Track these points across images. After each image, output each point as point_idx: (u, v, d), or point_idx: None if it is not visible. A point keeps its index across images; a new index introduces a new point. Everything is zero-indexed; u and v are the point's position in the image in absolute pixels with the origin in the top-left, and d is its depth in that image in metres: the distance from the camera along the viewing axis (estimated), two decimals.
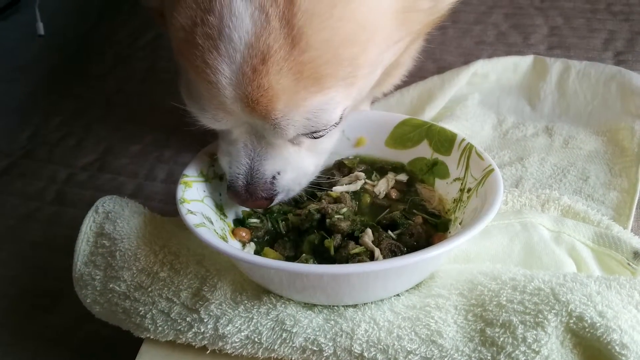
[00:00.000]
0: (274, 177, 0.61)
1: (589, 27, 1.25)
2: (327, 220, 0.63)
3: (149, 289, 0.60)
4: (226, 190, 0.63)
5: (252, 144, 0.60)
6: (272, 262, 0.52)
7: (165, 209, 0.96)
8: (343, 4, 0.51)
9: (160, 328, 0.58)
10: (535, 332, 0.48)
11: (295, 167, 0.62)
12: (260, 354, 0.55)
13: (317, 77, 0.52)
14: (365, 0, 0.53)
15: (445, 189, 0.69)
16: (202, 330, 0.56)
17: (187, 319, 0.57)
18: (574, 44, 1.20)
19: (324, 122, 0.55)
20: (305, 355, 0.54)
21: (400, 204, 0.69)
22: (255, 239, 0.66)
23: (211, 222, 0.62)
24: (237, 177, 0.61)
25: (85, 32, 1.55)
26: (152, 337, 0.60)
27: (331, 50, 0.51)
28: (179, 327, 0.57)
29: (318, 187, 0.69)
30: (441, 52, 1.23)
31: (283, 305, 0.56)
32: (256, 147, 0.60)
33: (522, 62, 1.06)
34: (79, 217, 0.70)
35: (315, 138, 0.59)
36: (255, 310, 0.56)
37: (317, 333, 0.54)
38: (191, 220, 0.57)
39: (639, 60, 1.12)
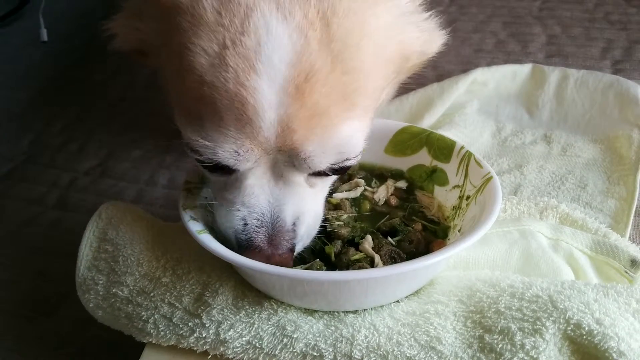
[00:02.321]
0: (294, 224, 0.57)
1: (587, 36, 1.26)
2: (327, 227, 0.63)
3: (152, 294, 0.61)
4: (238, 250, 0.56)
5: (270, 187, 0.56)
6: (273, 268, 0.53)
7: (167, 214, 0.97)
8: (366, 40, 0.52)
9: (162, 333, 0.59)
10: (533, 339, 0.49)
11: (311, 209, 0.59)
12: (261, 359, 0.56)
13: (351, 103, 0.53)
14: (381, 44, 0.55)
15: (444, 196, 0.70)
16: (203, 335, 0.57)
17: (189, 323, 0.58)
18: (572, 53, 1.21)
19: (353, 150, 0.55)
20: None
21: (400, 210, 0.70)
22: None
23: (212, 228, 0.62)
24: (258, 232, 0.56)
25: (88, 39, 1.56)
26: (154, 341, 0.60)
27: (361, 79, 0.53)
28: (181, 332, 0.58)
29: None
30: (440, 60, 1.23)
31: (284, 311, 0.57)
32: (274, 191, 0.56)
33: (521, 71, 1.07)
34: (81, 222, 0.70)
35: (337, 171, 0.56)
36: (256, 315, 0.56)
37: (318, 338, 0.54)
38: (193, 226, 0.58)
39: (637, 69, 1.13)
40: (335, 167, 0.55)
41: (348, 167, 0.57)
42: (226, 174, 0.57)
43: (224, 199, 0.58)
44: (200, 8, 0.50)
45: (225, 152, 0.52)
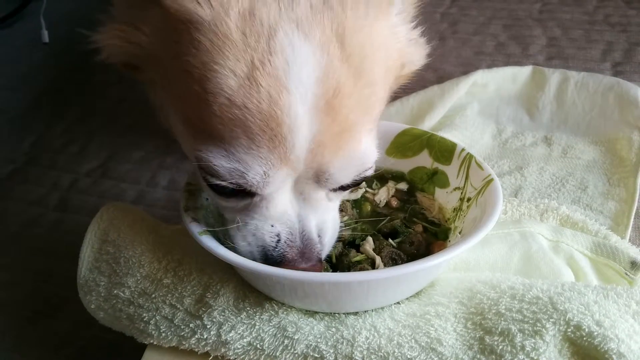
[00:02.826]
0: (319, 235, 0.58)
1: (587, 38, 1.27)
2: None
3: (153, 295, 0.61)
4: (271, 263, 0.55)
5: (293, 204, 0.56)
6: (274, 270, 0.53)
7: (168, 215, 0.97)
8: (376, 52, 0.53)
9: (163, 334, 0.59)
10: (533, 340, 0.49)
11: (331, 218, 0.60)
12: None
13: (370, 114, 0.54)
14: (386, 55, 0.56)
15: (445, 198, 0.70)
16: (205, 336, 0.57)
17: (190, 325, 0.58)
18: (572, 55, 1.22)
19: (371, 160, 0.55)
20: None
21: (401, 212, 0.70)
22: None
23: (214, 230, 0.62)
24: (291, 247, 0.56)
25: (89, 40, 1.56)
26: (155, 342, 0.60)
27: (377, 90, 0.54)
28: (182, 333, 0.58)
29: None
30: (441, 62, 1.24)
31: (285, 312, 0.57)
32: (298, 207, 0.57)
33: (521, 73, 1.07)
34: (82, 223, 0.70)
35: (357, 183, 0.57)
36: (257, 317, 0.57)
37: (319, 340, 0.54)
38: (195, 228, 0.58)
39: (637, 71, 1.14)
40: (357, 179, 0.56)
41: (365, 178, 0.58)
42: (244, 199, 0.55)
43: (247, 218, 0.57)
44: (224, 27, 0.48)
45: (256, 175, 0.51)
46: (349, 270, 0.60)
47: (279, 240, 0.56)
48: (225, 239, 0.59)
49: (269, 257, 0.56)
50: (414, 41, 0.61)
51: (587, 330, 0.48)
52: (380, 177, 0.76)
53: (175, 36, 0.51)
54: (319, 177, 0.54)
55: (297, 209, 0.57)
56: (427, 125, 0.99)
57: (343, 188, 0.57)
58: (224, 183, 0.52)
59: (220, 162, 0.51)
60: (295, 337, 0.55)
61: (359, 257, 0.61)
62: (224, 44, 0.48)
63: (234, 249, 0.57)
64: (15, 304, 0.87)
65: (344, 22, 0.50)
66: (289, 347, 0.55)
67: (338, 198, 0.61)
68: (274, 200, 0.55)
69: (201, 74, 0.49)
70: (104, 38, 0.56)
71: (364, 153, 0.54)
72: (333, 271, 0.61)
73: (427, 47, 0.63)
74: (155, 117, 0.73)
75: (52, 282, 0.89)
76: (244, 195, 0.55)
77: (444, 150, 0.71)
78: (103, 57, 0.58)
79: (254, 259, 0.56)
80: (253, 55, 0.48)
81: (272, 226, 0.56)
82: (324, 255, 0.59)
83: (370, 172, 0.57)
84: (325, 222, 0.59)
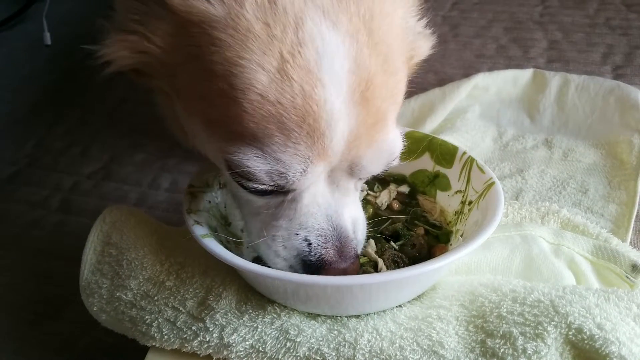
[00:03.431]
0: (353, 231, 0.57)
1: (587, 41, 1.27)
2: None
3: (155, 298, 0.61)
4: (302, 270, 0.54)
5: (326, 199, 0.54)
6: (276, 273, 0.53)
7: (169, 217, 0.97)
8: (398, 41, 0.53)
9: (166, 336, 0.59)
10: (535, 343, 0.49)
11: (360, 211, 0.59)
12: None
13: (397, 103, 0.54)
14: (405, 44, 0.56)
15: (446, 201, 0.70)
16: (207, 339, 0.57)
17: (193, 327, 0.58)
18: (573, 58, 1.22)
19: (398, 150, 0.55)
20: None
21: (402, 215, 0.70)
22: None
23: (216, 232, 0.63)
24: (326, 247, 0.54)
25: (91, 42, 1.57)
26: (157, 345, 0.60)
27: (401, 78, 0.54)
28: (185, 336, 0.58)
29: None
30: (442, 65, 1.25)
31: (287, 315, 0.57)
32: (331, 202, 0.55)
33: (522, 76, 1.07)
34: (84, 225, 0.70)
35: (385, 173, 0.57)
36: (259, 319, 0.57)
37: (321, 343, 0.54)
38: (198, 231, 0.58)
39: (637, 74, 1.14)
40: (386, 168, 0.56)
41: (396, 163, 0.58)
42: (278, 196, 0.54)
43: (276, 228, 0.55)
44: (243, 20, 0.47)
45: (296, 173, 0.49)
46: None
47: (309, 244, 0.54)
48: (228, 243, 0.59)
49: (308, 264, 0.54)
50: (421, 33, 0.60)
51: (588, 333, 0.48)
52: (382, 180, 0.76)
53: (190, 39, 0.49)
54: (352, 169, 0.53)
55: (331, 204, 0.55)
56: (428, 128, 1.00)
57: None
58: (263, 187, 0.51)
59: (257, 164, 0.49)
60: (298, 340, 0.55)
61: (362, 260, 0.62)
62: (246, 37, 0.46)
63: (237, 252, 0.57)
64: (17, 306, 0.88)
65: (372, 8, 0.49)
66: (291, 350, 0.55)
67: (360, 187, 0.61)
68: (304, 199, 0.54)
69: (226, 70, 0.47)
70: (111, 51, 0.54)
71: (394, 142, 0.54)
72: None
73: (433, 37, 0.62)
74: (159, 120, 0.73)
75: (54, 284, 0.89)
76: (278, 193, 0.54)
77: (445, 154, 0.72)
78: (112, 70, 0.55)
79: (295, 271, 0.55)
80: (281, 47, 0.46)
81: (297, 234, 0.54)
82: (359, 251, 0.58)
83: (396, 163, 0.56)
84: (358, 217, 0.58)
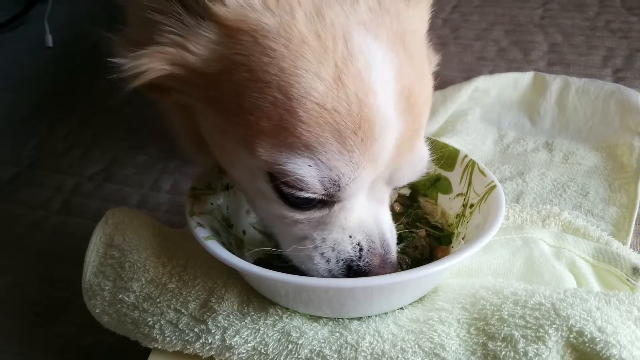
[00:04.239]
0: (391, 238, 0.58)
1: (588, 44, 1.27)
2: None
3: (158, 300, 0.61)
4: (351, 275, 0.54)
5: (367, 208, 0.55)
6: (278, 275, 0.53)
7: (171, 219, 0.97)
8: (425, 53, 0.56)
9: (168, 338, 0.59)
10: (536, 346, 0.49)
11: (392, 221, 0.60)
12: None
13: (429, 113, 0.56)
14: (427, 55, 0.59)
15: (448, 204, 0.71)
16: (209, 341, 0.57)
17: (195, 329, 0.58)
18: (573, 61, 1.22)
19: (428, 157, 0.56)
20: None
21: (403, 217, 0.71)
22: None
23: (218, 234, 0.63)
24: (375, 254, 0.55)
25: (93, 44, 1.57)
26: (160, 347, 0.61)
27: (431, 88, 0.56)
28: (187, 338, 0.59)
29: None
30: (442, 68, 1.24)
31: (289, 317, 0.57)
32: (371, 211, 0.55)
33: (523, 79, 1.08)
34: (85, 227, 0.71)
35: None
36: (261, 321, 0.57)
37: (323, 345, 0.55)
38: (200, 233, 0.58)
39: (638, 78, 1.14)
40: (419, 177, 0.57)
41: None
42: (322, 209, 0.54)
43: (324, 232, 0.55)
44: (295, 30, 0.47)
45: (349, 181, 0.50)
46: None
47: (361, 249, 0.54)
48: (230, 245, 0.59)
49: (354, 270, 0.54)
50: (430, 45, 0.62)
51: (589, 336, 0.49)
52: None
53: (237, 47, 0.49)
54: (392, 177, 0.54)
55: (372, 212, 0.56)
56: (429, 130, 1.00)
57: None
58: (314, 195, 0.51)
59: (309, 172, 0.49)
60: (299, 342, 0.55)
61: None
62: (301, 47, 0.47)
63: (238, 254, 0.57)
64: (19, 307, 0.88)
65: (403, 23, 0.52)
66: (293, 352, 0.55)
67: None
68: (353, 207, 0.54)
69: (281, 80, 0.47)
70: (142, 64, 0.51)
71: (426, 150, 0.56)
72: None
73: (437, 54, 0.64)
74: (160, 122, 0.74)
75: (56, 285, 0.90)
76: (324, 205, 0.53)
77: (447, 157, 0.72)
78: (138, 84, 0.52)
79: (333, 276, 0.55)
80: (335, 57, 0.47)
81: (351, 237, 0.55)
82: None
83: (426, 170, 0.58)
84: (392, 226, 0.59)
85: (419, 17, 0.56)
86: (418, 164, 0.55)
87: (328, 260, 0.55)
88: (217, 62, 0.50)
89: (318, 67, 0.47)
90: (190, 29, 0.50)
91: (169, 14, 0.50)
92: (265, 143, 0.50)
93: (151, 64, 0.51)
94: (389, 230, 0.58)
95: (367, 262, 0.55)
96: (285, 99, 0.47)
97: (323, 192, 0.50)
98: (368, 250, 0.55)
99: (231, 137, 0.53)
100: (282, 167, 0.49)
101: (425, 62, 0.55)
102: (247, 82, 0.49)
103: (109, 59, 0.52)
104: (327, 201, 0.53)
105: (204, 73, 0.51)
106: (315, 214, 0.54)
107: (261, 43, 0.48)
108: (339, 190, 0.50)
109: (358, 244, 0.55)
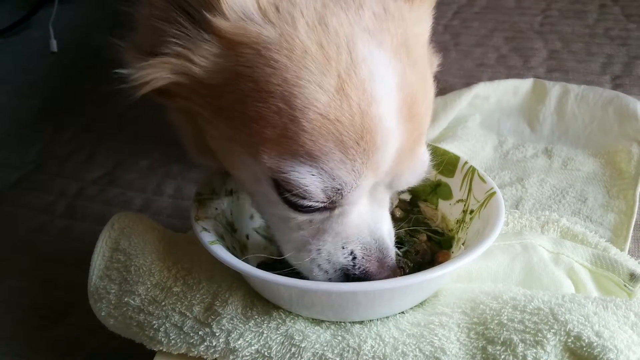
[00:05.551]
0: (390, 240, 0.59)
1: (587, 51, 1.29)
2: None
3: (163, 303, 0.62)
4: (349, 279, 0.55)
5: (367, 213, 0.56)
6: (281, 279, 0.54)
7: (174, 224, 0.98)
8: (427, 59, 0.57)
9: (173, 341, 0.60)
10: (535, 350, 0.50)
11: (391, 223, 0.61)
12: None
13: (430, 120, 0.56)
14: (429, 61, 0.60)
15: (448, 210, 0.72)
16: (213, 343, 0.58)
17: (200, 332, 0.59)
18: (572, 68, 1.24)
19: (428, 163, 0.57)
20: None
21: (404, 222, 0.72)
22: None
23: (223, 239, 0.64)
24: (370, 260, 0.56)
25: (97, 49, 1.58)
26: (164, 350, 0.61)
27: (432, 96, 0.57)
28: (192, 341, 0.59)
29: None
30: (443, 74, 1.25)
31: (292, 321, 0.58)
32: (370, 215, 0.56)
33: (522, 85, 1.09)
34: (89, 230, 0.71)
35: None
36: (265, 325, 0.58)
37: (325, 348, 0.55)
38: (205, 237, 0.59)
39: (636, 85, 1.15)
40: (420, 182, 0.58)
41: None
42: (323, 212, 0.55)
43: (319, 242, 0.56)
44: (297, 41, 0.48)
45: (350, 189, 0.50)
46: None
47: (354, 258, 0.55)
48: (234, 250, 0.60)
49: (352, 278, 0.56)
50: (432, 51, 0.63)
51: (587, 340, 0.49)
52: None
53: (239, 60, 0.49)
54: (392, 182, 0.55)
55: (371, 217, 0.56)
56: (429, 136, 1.01)
57: None
58: (316, 204, 0.51)
59: (312, 181, 0.49)
60: (302, 345, 0.56)
61: None
62: (303, 58, 0.47)
63: (242, 258, 0.58)
64: (23, 310, 0.88)
65: (407, 30, 0.52)
66: (296, 355, 0.56)
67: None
68: (351, 213, 0.55)
69: (284, 91, 0.48)
70: (149, 73, 0.52)
71: (427, 155, 0.57)
72: None
73: (438, 56, 0.65)
74: (163, 126, 0.74)
75: (60, 288, 0.90)
76: (325, 209, 0.54)
77: (447, 163, 0.73)
78: (145, 92, 0.54)
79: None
80: (338, 67, 0.48)
81: (344, 247, 0.56)
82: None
83: (427, 174, 0.59)
84: (391, 228, 0.60)
85: (423, 20, 0.57)
86: (419, 169, 0.56)
87: (326, 272, 0.56)
88: (220, 73, 0.51)
89: (321, 78, 0.47)
90: (194, 41, 0.51)
91: (175, 24, 0.51)
92: (270, 151, 0.50)
93: (156, 74, 0.52)
94: (388, 233, 0.59)
95: (363, 269, 0.56)
96: (288, 109, 0.48)
97: (325, 200, 0.51)
98: (362, 257, 0.56)
99: (236, 143, 0.54)
100: (286, 175, 0.50)
101: (427, 67, 0.56)
102: (251, 92, 0.49)
103: (114, 70, 0.53)
104: (329, 207, 0.54)
105: (209, 84, 0.52)
106: (317, 217, 0.55)
107: (264, 55, 0.48)
108: (341, 198, 0.52)
109: (351, 253, 0.56)
